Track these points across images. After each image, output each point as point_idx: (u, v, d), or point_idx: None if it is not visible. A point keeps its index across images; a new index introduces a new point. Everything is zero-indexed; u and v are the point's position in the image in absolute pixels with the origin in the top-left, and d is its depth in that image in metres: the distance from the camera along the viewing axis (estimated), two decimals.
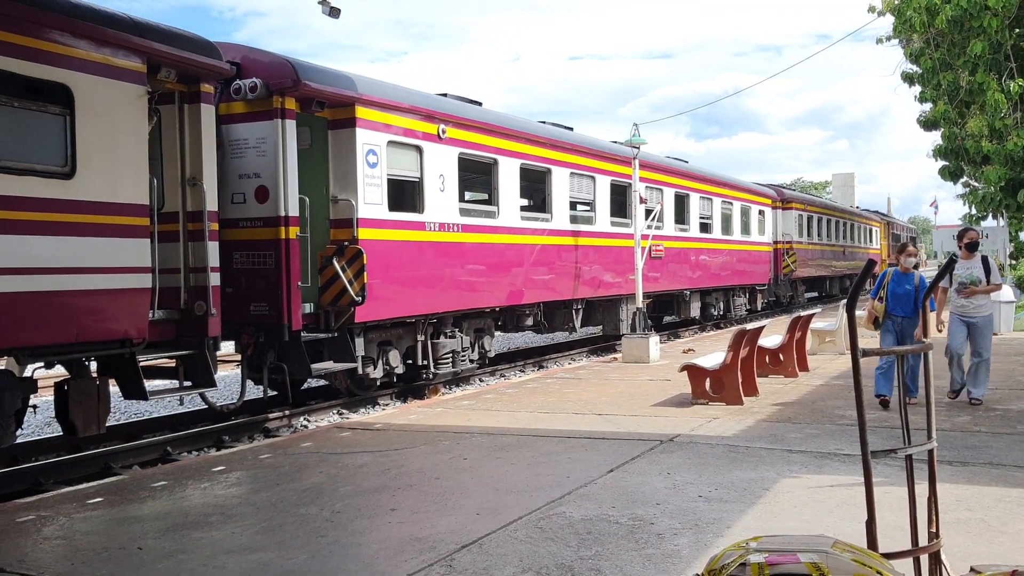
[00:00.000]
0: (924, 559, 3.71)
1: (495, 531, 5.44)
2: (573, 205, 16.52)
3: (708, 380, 10.25)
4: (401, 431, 9.02)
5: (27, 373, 8.13)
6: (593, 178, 16.99)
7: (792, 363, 12.52)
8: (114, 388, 8.78)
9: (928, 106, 25.11)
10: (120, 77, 7.99)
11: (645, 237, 16.96)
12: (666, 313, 22.47)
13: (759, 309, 27.34)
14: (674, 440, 8.09)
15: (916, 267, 9.85)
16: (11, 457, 8.87)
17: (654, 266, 18.91)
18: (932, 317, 8.85)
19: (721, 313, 24.34)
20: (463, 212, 13.18)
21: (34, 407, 8.64)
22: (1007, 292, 19.10)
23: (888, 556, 3.23)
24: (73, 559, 5.24)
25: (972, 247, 10.08)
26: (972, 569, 3.33)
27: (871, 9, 21.56)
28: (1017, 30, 20.85)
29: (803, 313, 13.74)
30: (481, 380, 14.59)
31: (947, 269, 4.29)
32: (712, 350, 12.00)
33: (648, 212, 18.08)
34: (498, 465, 7.32)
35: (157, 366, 9.37)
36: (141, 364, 8.54)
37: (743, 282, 25.30)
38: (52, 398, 8.85)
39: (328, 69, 10.99)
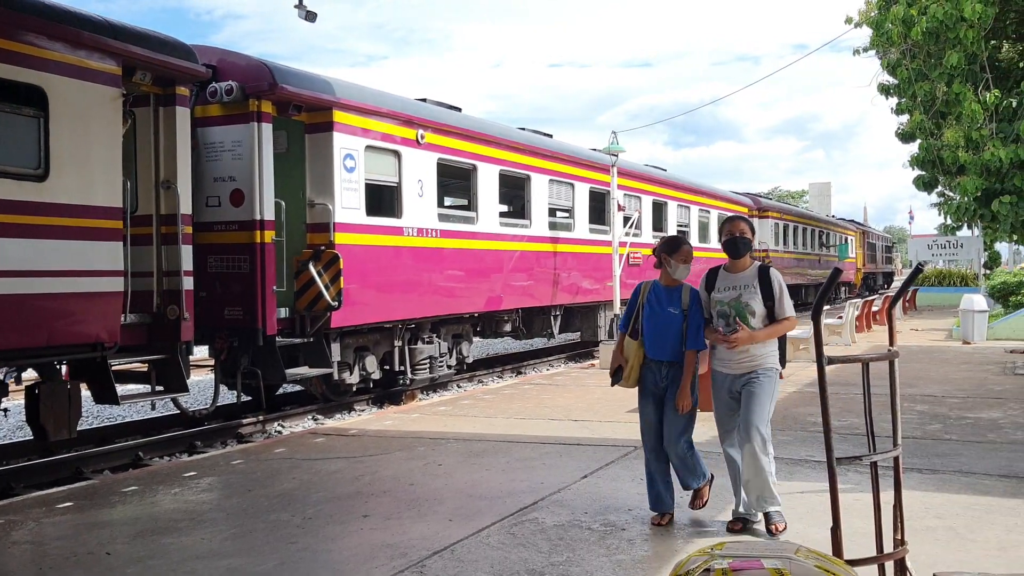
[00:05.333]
0: (889, 566, 3.75)
1: (467, 537, 5.44)
2: (552, 212, 16.56)
3: None
4: (376, 437, 9.00)
5: None
6: (572, 185, 17.03)
7: None
8: (86, 392, 8.72)
9: (905, 118, 25.36)
10: (94, 79, 7.94)
11: (623, 244, 17.03)
12: None
13: None
14: None
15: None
16: None
17: (632, 273, 18.96)
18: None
19: None
20: (442, 218, 13.17)
21: (5, 411, 8.55)
22: (979, 301, 19.28)
23: (853, 563, 3.26)
24: (41, 564, 5.19)
25: (735, 247, 5.56)
26: (935, 575, 3.36)
27: (848, 20, 21.77)
28: (992, 42, 21.12)
29: None
30: (459, 386, 14.57)
31: (911, 279, 4.29)
32: None
33: (626, 220, 18.17)
34: (473, 471, 7.31)
35: (129, 370, 9.29)
36: (113, 368, 8.47)
37: None
38: (23, 402, 8.77)
39: (305, 73, 10.97)
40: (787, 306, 5.47)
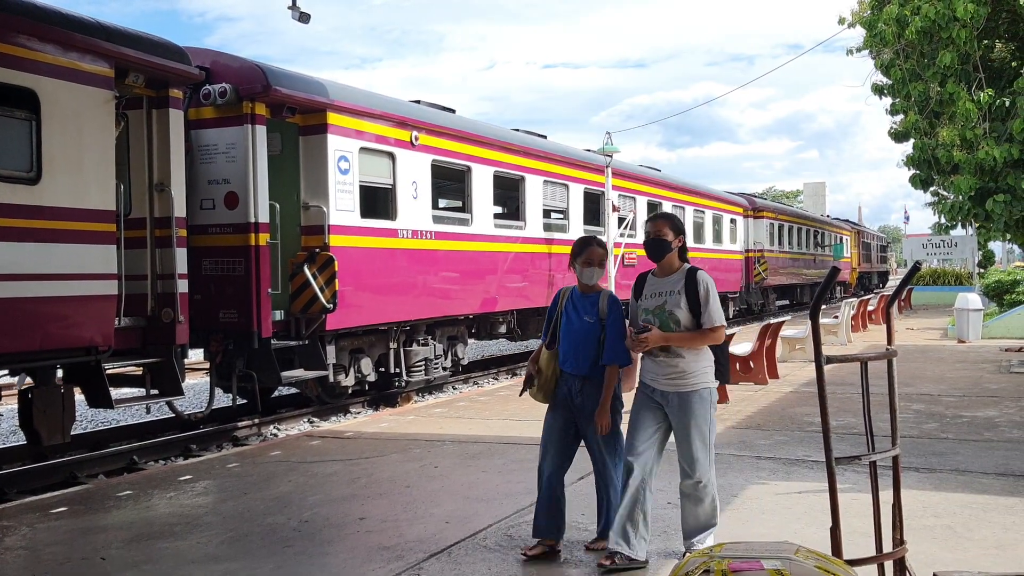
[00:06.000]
0: (888, 565, 3.73)
1: (464, 539, 5.42)
2: (547, 213, 16.53)
3: None
4: (372, 439, 8.97)
5: None
6: (566, 186, 17.01)
7: (762, 370, 12.59)
8: (80, 396, 8.67)
9: (899, 118, 25.41)
10: (87, 82, 7.90)
11: (618, 245, 17.04)
12: None
13: (731, 316, 27.48)
14: None
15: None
16: None
17: (627, 273, 18.96)
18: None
19: None
20: (436, 219, 13.15)
21: None
22: (974, 299, 19.30)
23: (852, 563, 3.24)
24: (35, 570, 5.15)
25: (650, 249, 5.09)
26: (935, 575, 3.35)
27: (841, 20, 21.81)
28: (985, 41, 21.18)
29: (773, 321, 13.83)
30: (454, 388, 14.54)
31: (909, 278, 4.29)
32: None
33: (621, 220, 18.17)
34: (469, 473, 7.29)
35: (124, 374, 9.26)
36: (107, 372, 8.43)
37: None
38: (16, 406, 8.72)
39: (299, 75, 10.95)
40: (715, 314, 4.83)
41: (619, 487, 4.96)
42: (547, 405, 5.28)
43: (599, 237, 5.47)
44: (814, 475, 6.76)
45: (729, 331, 11.27)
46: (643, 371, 5.02)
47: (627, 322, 5.07)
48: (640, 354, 4.96)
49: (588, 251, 5.20)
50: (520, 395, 5.51)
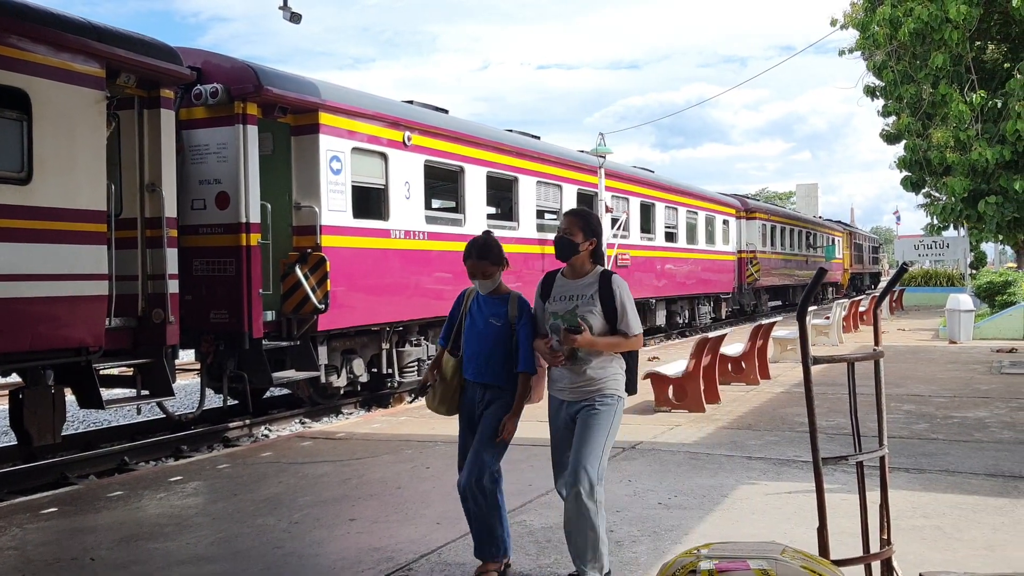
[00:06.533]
0: (876, 565, 3.75)
1: (454, 540, 5.41)
2: (540, 214, 16.55)
3: (671, 388, 10.30)
4: (364, 440, 8.96)
5: None
6: (560, 187, 17.03)
7: (754, 371, 12.62)
8: (70, 397, 8.65)
9: (891, 120, 25.50)
10: (78, 82, 7.89)
11: (611, 246, 17.06)
12: None
13: (723, 317, 27.54)
14: (636, 447, 8.10)
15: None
16: None
17: (621, 274, 18.97)
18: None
19: (686, 321, 24.48)
20: (429, 220, 13.15)
21: None
22: (965, 300, 19.36)
23: (839, 563, 3.26)
24: (25, 570, 5.14)
25: (563, 249, 4.61)
26: (921, 575, 3.36)
27: (833, 22, 21.88)
28: (978, 43, 21.27)
29: (765, 321, 13.86)
30: None
31: (896, 279, 4.31)
32: (676, 358, 12.05)
33: (614, 221, 18.20)
34: None
35: (114, 374, 9.24)
36: (98, 372, 8.41)
37: (708, 291, 25.48)
38: (7, 407, 8.70)
39: (291, 75, 10.93)
40: (632, 322, 4.47)
41: (496, 520, 4.65)
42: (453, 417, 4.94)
43: (489, 237, 4.89)
44: (804, 475, 6.77)
45: (721, 332, 11.34)
46: (553, 382, 4.64)
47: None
48: (547, 364, 4.57)
49: (468, 264, 4.81)
50: (410, 402, 5.13)
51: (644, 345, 25.36)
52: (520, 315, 4.68)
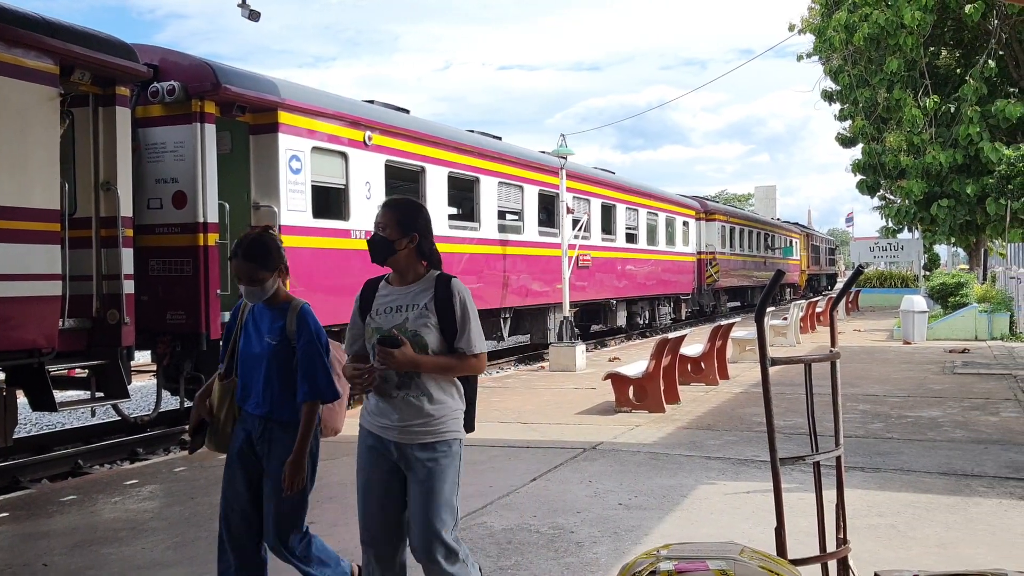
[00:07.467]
0: (832, 564, 3.79)
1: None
2: (501, 214, 16.56)
3: (631, 388, 10.36)
4: (324, 442, 8.86)
5: None
6: (521, 188, 17.05)
7: (713, 371, 12.73)
8: (22, 399, 8.48)
9: (847, 124, 25.93)
10: (31, 78, 7.72)
11: (572, 247, 17.10)
12: (593, 322, 22.66)
13: (683, 318, 27.76)
14: (597, 448, 8.13)
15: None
16: None
17: (581, 275, 19.06)
18: None
19: (647, 322, 24.64)
20: None
21: None
22: (919, 302, 19.70)
23: (796, 562, 3.29)
24: None
25: (376, 249, 3.63)
26: (876, 574, 3.41)
27: (791, 27, 22.19)
28: (931, 48, 21.68)
29: (724, 322, 13.99)
30: None
31: (852, 281, 4.34)
32: (637, 358, 12.13)
33: (575, 222, 18.25)
34: None
35: (68, 376, 9.07)
36: (51, 374, 8.25)
37: (668, 291, 25.66)
38: None
39: (250, 73, 10.82)
40: (475, 338, 3.55)
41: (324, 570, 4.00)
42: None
43: (264, 234, 4.02)
44: (763, 475, 6.84)
45: (681, 332, 11.43)
46: (367, 413, 3.65)
47: (344, 345, 3.82)
48: (360, 391, 3.55)
49: (232, 265, 3.91)
50: (190, 453, 4.36)
51: (604, 346, 25.33)
52: (300, 330, 3.87)
